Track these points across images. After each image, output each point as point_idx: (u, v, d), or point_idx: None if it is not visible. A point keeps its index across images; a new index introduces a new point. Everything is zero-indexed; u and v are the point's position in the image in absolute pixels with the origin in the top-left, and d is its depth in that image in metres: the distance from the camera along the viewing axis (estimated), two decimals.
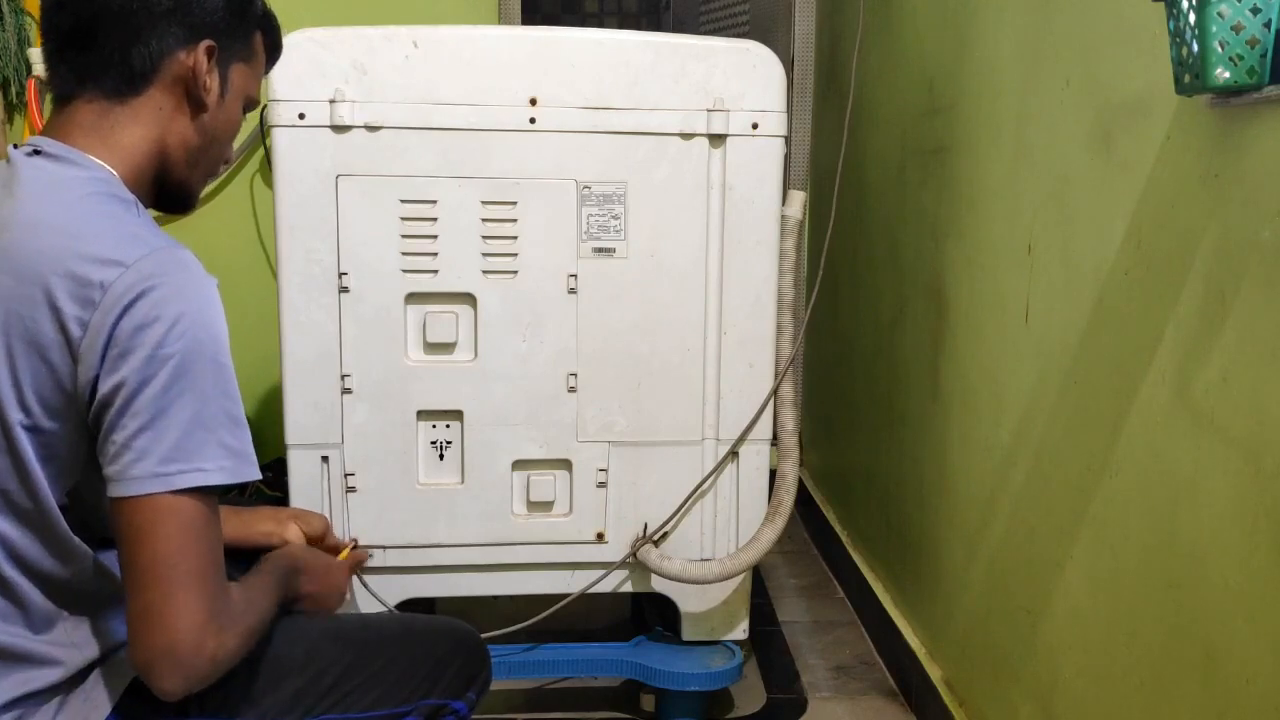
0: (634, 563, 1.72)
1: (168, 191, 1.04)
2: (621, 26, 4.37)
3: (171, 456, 0.85)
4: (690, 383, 1.70)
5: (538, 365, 1.66)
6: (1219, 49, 0.92)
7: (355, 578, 1.67)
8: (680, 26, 3.60)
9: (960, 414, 1.76)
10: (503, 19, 2.71)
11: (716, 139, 1.64)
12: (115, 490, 0.86)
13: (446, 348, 1.65)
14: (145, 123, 0.98)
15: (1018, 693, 1.51)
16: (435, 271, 1.62)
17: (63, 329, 0.86)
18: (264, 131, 2.40)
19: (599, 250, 1.65)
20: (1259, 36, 0.91)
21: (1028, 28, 1.50)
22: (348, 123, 1.57)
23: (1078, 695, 1.34)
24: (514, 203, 1.62)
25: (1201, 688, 1.06)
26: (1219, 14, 0.91)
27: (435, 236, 1.62)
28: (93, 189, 0.93)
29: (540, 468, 1.70)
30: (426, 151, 1.60)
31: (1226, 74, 0.92)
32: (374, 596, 1.68)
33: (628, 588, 1.76)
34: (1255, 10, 0.91)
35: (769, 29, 2.94)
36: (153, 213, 1.03)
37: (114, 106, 0.96)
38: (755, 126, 1.64)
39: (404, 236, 1.61)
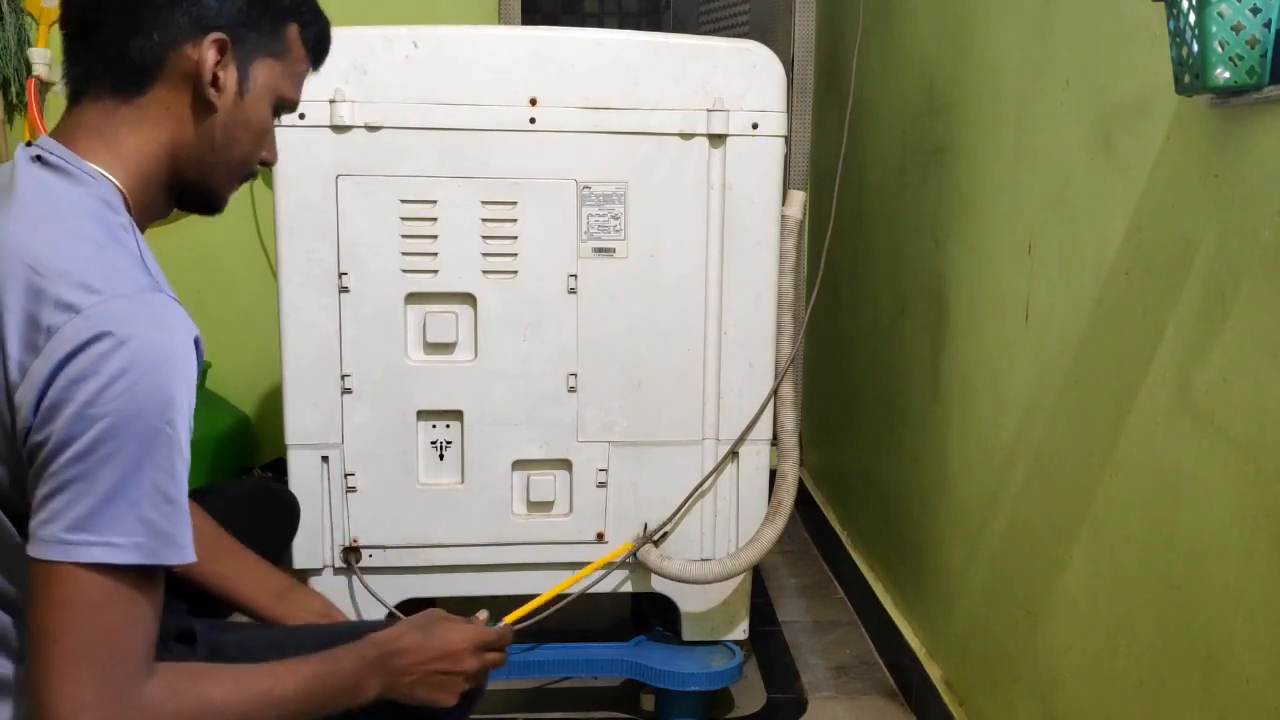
0: (634, 563, 1.72)
1: (188, 195, 0.97)
2: (621, 26, 4.37)
3: (81, 525, 0.78)
4: (690, 382, 1.70)
5: (538, 365, 1.66)
6: (1219, 49, 0.92)
7: (356, 578, 1.68)
8: (680, 26, 3.60)
9: (960, 414, 1.76)
10: (503, 19, 2.71)
11: (716, 139, 1.65)
12: (28, 548, 0.80)
13: (446, 348, 1.65)
14: (152, 123, 0.91)
15: (1018, 693, 1.51)
16: (435, 271, 1.63)
17: (4, 370, 0.80)
18: None
19: (599, 250, 1.65)
20: (1259, 36, 0.91)
21: (1028, 28, 1.50)
22: (348, 123, 1.57)
23: (1078, 695, 1.34)
24: (514, 203, 1.62)
25: (1201, 687, 1.06)
26: (1219, 14, 0.91)
27: (435, 236, 1.62)
28: (83, 211, 0.86)
29: (540, 468, 1.70)
30: (426, 151, 1.60)
31: (1226, 74, 0.92)
32: (374, 596, 1.68)
33: (628, 588, 1.76)
34: (1255, 10, 0.91)
35: (769, 29, 2.94)
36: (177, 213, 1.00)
37: (119, 106, 0.90)
38: (755, 126, 1.64)
39: (404, 236, 1.61)
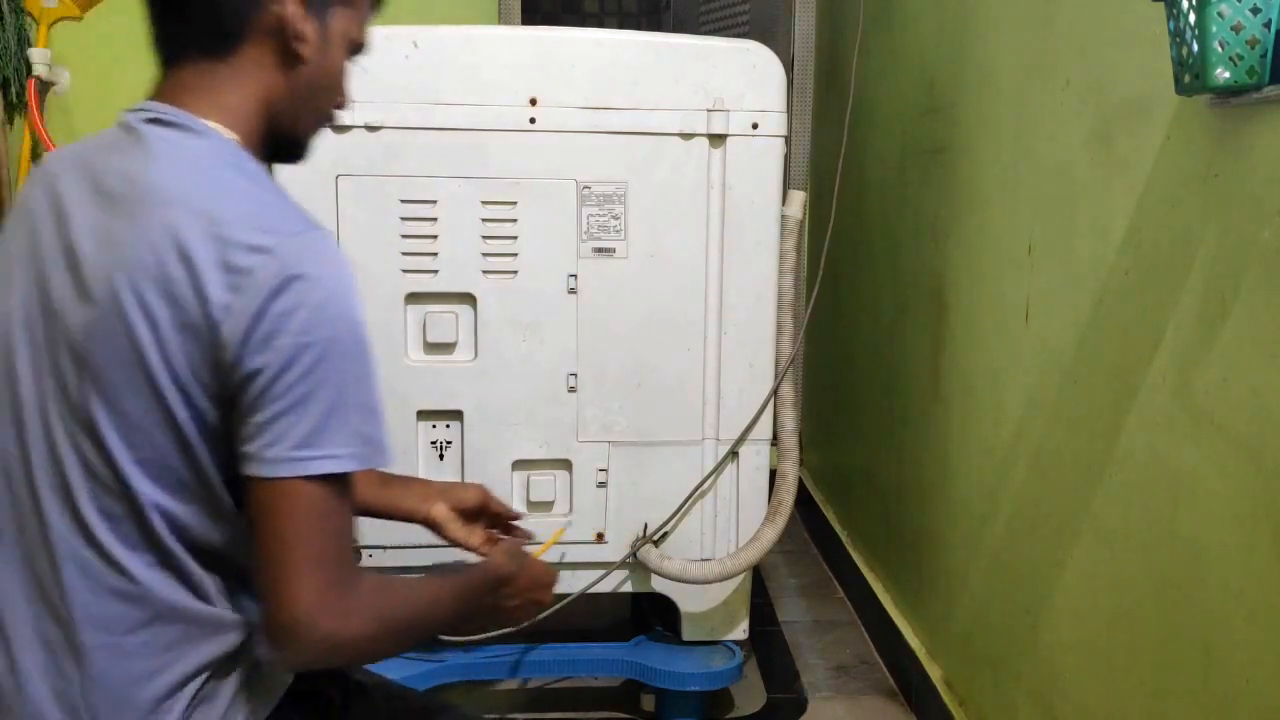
0: (634, 563, 1.72)
1: (279, 146, 1.02)
2: (621, 26, 4.37)
3: (306, 442, 0.86)
4: (690, 382, 1.70)
5: (538, 365, 1.66)
6: (1219, 49, 0.92)
7: None
8: (680, 26, 3.60)
9: (960, 414, 1.76)
10: (503, 19, 2.71)
11: (716, 139, 1.64)
12: (249, 469, 0.87)
13: (446, 348, 1.65)
14: (247, 79, 0.95)
15: (1018, 692, 1.51)
16: (435, 271, 1.62)
17: (206, 312, 0.86)
18: None
19: (599, 250, 1.65)
20: (1259, 36, 0.91)
21: (1028, 28, 1.50)
22: (347, 122, 1.57)
23: (1078, 695, 1.34)
24: (514, 203, 1.62)
25: (1201, 687, 1.06)
26: (1219, 14, 0.91)
27: (435, 236, 1.62)
28: (223, 162, 0.92)
29: (540, 468, 1.70)
30: (426, 151, 1.60)
31: (1226, 74, 0.92)
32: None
33: (628, 588, 1.76)
34: (1255, 10, 0.91)
35: (769, 29, 2.94)
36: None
37: (215, 65, 0.94)
38: (755, 126, 1.64)
39: (404, 236, 1.61)
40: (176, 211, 0.88)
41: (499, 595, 1.13)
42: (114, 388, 0.88)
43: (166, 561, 0.91)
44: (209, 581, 0.93)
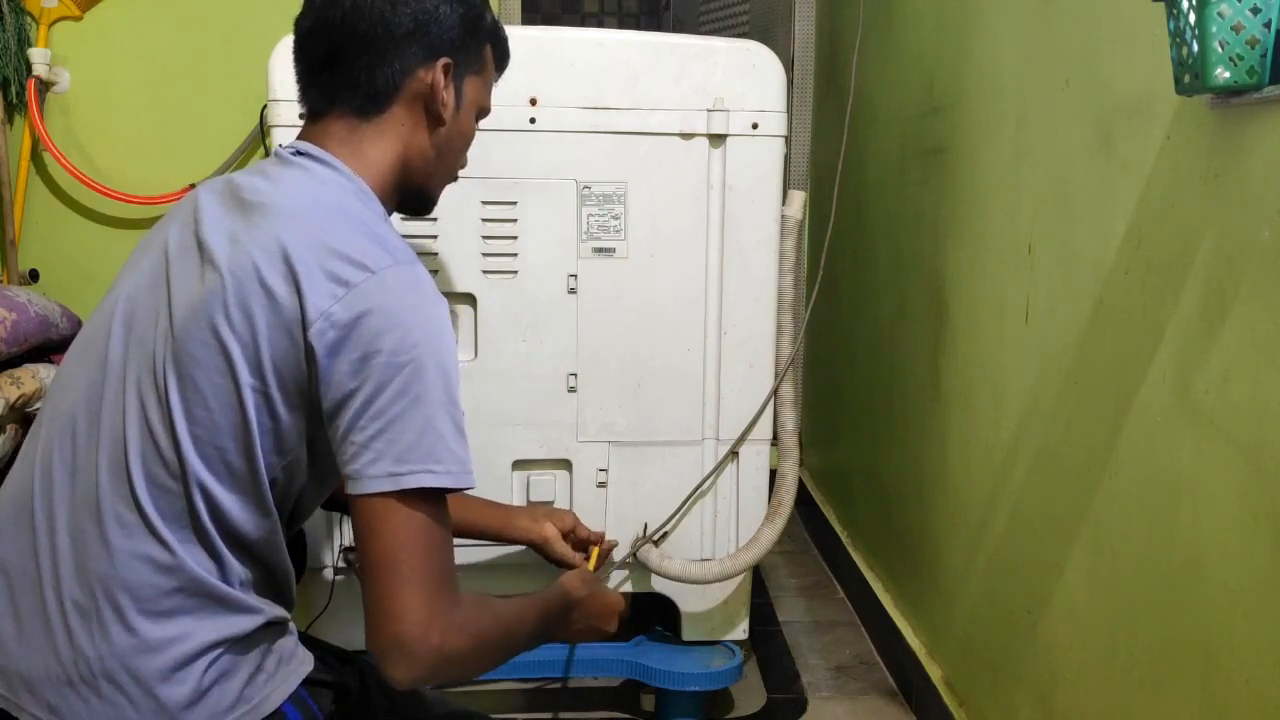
0: (634, 563, 1.72)
1: (409, 198, 1.11)
2: (621, 26, 4.37)
3: (404, 458, 0.89)
4: (690, 382, 1.70)
5: (538, 365, 1.66)
6: (1219, 49, 0.92)
7: (356, 578, 1.67)
8: (680, 26, 3.60)
9: (960, 414, 1.76)
10: (502, 19, 2.71)
11: (716, 139, 1.64)
12: (352, 488, 0.91)
13: None
14: (389, 137, 1.04)
15: (1018, 693, 1.51)
16: (435, 271, 1.62)
17: (303, 314, 0.90)
18: (264, 132, 2.40)
19: (599, 250, 1.65)
20: (1259, 36, 0.91)
21: (1028, 28, 1.50)
22: None
23: (1078, 695, 1.34)
24: (514, 203, 1.62)
25: (1201, 688, 1.06)
26: (1219, 14, 0.91)
27: (435, 236, 1.62)
28: (349, 193, 1.00)
29: (540, 468, 1.70)
30: None
31: (1226, 74, 0.92)
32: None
33: (628, 588, 1.76)
34: (1255, 10, 0.91)
35: (769, 29, 2.94)
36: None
37: (361, 124, 1.03)
38: (755, 126, 1.64)
39: (403, 236, 1.61)
40: (292, 221, 0.94)
41: (568, 618, 1.18)
42: (195, 363, 0.92)
43: (202, 540, 0.93)
44: (237, 569, 0.95)
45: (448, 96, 1.06)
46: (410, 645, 0.89)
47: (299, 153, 1.03)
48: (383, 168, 1.05)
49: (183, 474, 0.92)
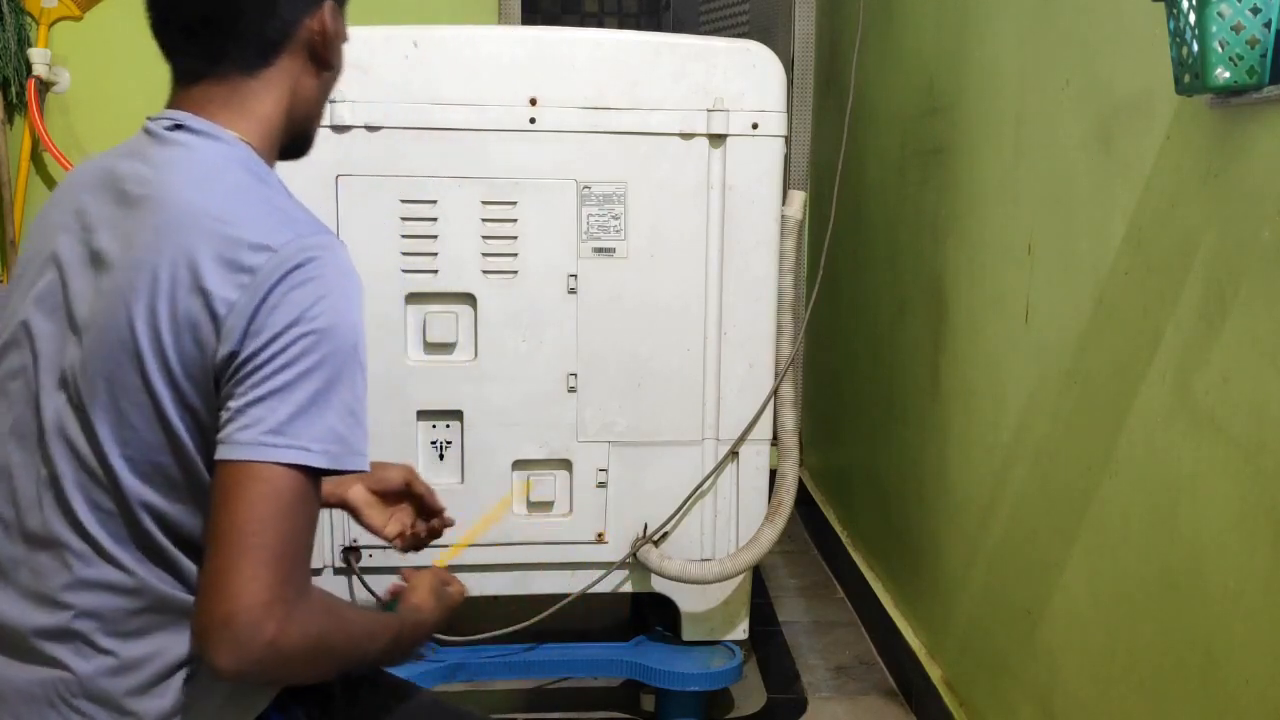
0: (634, 563, 1.72)
1: (293, 145, 1.06)
2: (621, 26, 4.37)
3: (280, 430, 0.85)
4: (690, 383, 1.70)
5: (538, 365, 1.66)
6: (1219, 49, 0.92)
7: (356, 578, 1.68)
8: (680, 26, 3.60)
9: (960, 414, 1.76)
10: (503, 19, 2.71)
11: (716, 139, 1.64)
12: (219, 453, 0.86)
13: (446, 348, 1.65)
14: (276, 90, 1.00)
15: (1018, 693, 1.51)
16: (435, 271, 1.62)
17: (210, 309, 0.86)
18: None
19: (599, 250, 1.65)
20: (1259, 36, 0.91)
21: (1028, 28, 1.50)
22: (348, 123, 1.57)
23: (1078, 695, 1.33)
24: (514, 203, 1.62)
25: (1201, 688, 1.06)
26: (1219, 14, 0.91)
27: (435, 236, 1.62)
28: (237, 164, 0.95)
29: (540, 468, 1.70)
30: (426, 151, 1.60)
31: (1226, 74, 0.92)
32: (374, 596, 1.68)
33: (628, 588, 1.76)
34: (1255, 10, 0.91)
35: (769, 29, 2.94)
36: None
37: (247, 79, 0.98)
38: (755, 126, 1.64)
39: (404, 236, 1.61)
40: (184, 214, 0.89)
41: (417, 643, 1.11)
42: (111, 385, 0.88)
43: (159, 557, 0.90)
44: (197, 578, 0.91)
45: (337, 39, 1.04)
46: (240, 630, 0.81)
47: (177, 125, 0.96)
48: (271, 122, 1.00)
49: (124, 497, 0.89)
